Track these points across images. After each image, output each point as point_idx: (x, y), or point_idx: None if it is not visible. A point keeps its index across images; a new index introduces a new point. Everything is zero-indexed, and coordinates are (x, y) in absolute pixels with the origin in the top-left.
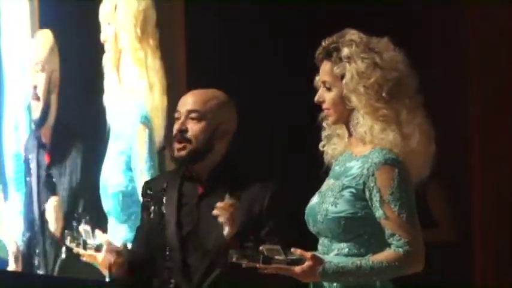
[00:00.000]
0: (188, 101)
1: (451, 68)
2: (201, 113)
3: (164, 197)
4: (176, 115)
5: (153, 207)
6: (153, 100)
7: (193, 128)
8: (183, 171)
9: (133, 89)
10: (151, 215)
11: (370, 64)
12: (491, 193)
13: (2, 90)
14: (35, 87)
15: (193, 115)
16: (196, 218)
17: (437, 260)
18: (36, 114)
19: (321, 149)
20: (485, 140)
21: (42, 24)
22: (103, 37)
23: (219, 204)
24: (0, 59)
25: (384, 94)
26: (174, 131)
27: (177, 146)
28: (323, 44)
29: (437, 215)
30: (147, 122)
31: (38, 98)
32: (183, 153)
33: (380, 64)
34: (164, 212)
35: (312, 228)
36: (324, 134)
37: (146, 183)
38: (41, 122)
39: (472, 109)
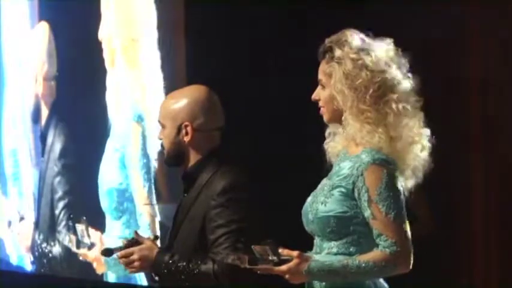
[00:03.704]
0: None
1: (451, 68)
2: (162, 121)
3: None
4: None
5: None
6: (147, 100)
7: (163, 135)
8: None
9: (127, 88)
10: None
11: (358, 66)
12: (491, 193)
13: (1, 89)
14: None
15: (160, 124)
16: (174, 218)
17: (437, 260)
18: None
19: (324, 146)
20: (485, 140)
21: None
22: (99, 36)
23: (119, 253)
24: (1, 60)
25: (368, 97)
26: None
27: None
28: (325, 42)
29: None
30: (140, 120)
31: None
32: (164, 158)
33: (369, 66)
34: None
35: (306, 228)
36: (327, 131)
37: None
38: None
39: (473, 109)
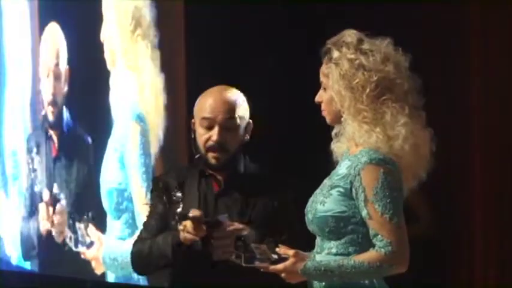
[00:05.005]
0: (220, 108)
1: (452, 68)
2: (236, 120)
3: (178, 194)
4: (206, 123)
5: (166, 204)
6: (146, 100)
7: (230, 137)
8: (200, 169)
9: (126, 89)
10: (162, 212)
11: (355, 66)
12: (491, 193)
13: (2, 90)
14: (54, 94)
15: (229, 124)
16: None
17: (437, 260)
18: (52, 118)
19: (331, 146)
20: (485, 140)
21: (42, 24)
22: (101, 37)
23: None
24: (2, 60)
25: (365, 96)
26: (209, 141)
27: (213, 154)
28: (326, 43)
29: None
30: (139, 120)
31: (55, 104)
32: (221, 161)
33: (366, 66)
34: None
35: (308, 227)
36: (333, 132)
37: (158, 178)
38: (56, 125)
39: (473, 108)
